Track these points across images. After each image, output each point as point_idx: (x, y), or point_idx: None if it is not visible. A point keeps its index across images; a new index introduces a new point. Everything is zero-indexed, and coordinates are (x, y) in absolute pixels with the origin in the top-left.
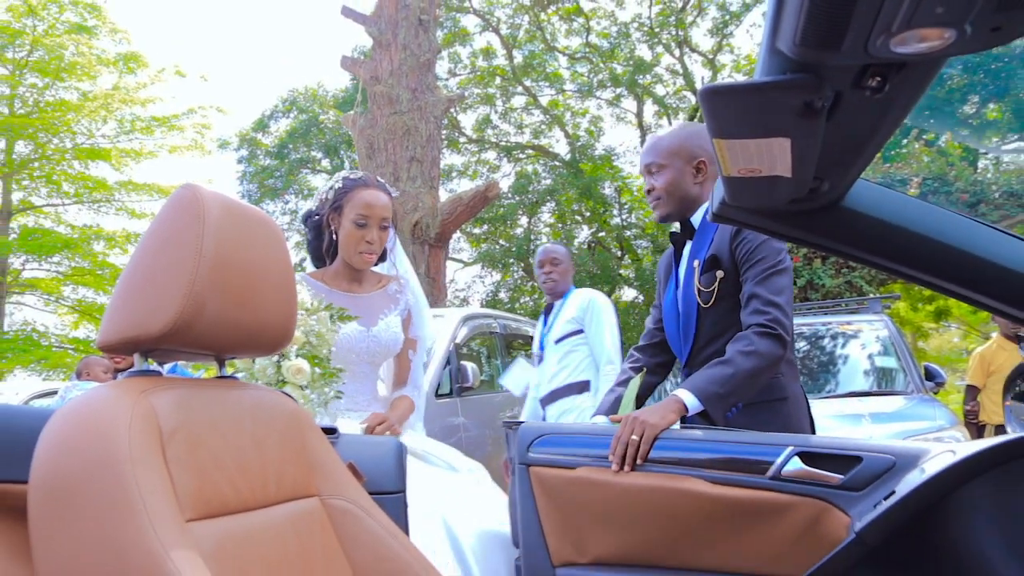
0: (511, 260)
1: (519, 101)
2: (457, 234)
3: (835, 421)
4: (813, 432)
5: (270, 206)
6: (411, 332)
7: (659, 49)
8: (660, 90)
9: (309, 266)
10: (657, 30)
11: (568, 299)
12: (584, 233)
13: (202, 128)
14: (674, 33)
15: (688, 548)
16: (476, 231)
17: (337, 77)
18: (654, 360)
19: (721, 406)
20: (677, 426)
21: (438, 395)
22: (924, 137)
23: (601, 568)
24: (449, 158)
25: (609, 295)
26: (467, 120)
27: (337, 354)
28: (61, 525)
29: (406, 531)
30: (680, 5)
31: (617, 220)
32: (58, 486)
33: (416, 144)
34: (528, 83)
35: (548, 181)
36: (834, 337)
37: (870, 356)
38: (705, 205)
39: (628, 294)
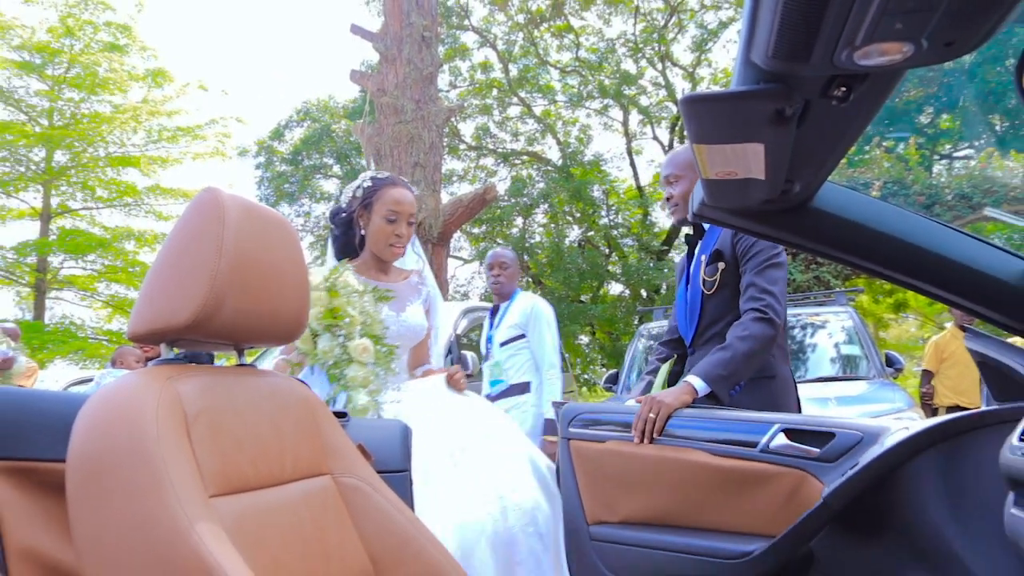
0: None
1: (514, 111)
2: (458, 234)
3: (805, 404)
4: (799, 410)
5: (286, 209)
6: (430, 321)
7: (643, 63)
8: (644, 101)
9: (331, 260)
10: (641, 46)
11: (514, 302)
12: (575, 232)
13: (223, 137)
14: (657, 48)
15: (694, 510)
16: (475, 231)
17: (347, 89)
18: (677, 351)
19: (725, 386)
20: None
21: None
22: (885, 144)
23: (627, 526)
24: (450, 164)
25: (597, 290)
26: (467, 128)
27: None
28: (95, 501)
29: (411, 506)
30: (662, 23)
31: (605, 220)
32: (92, 465)
33: (420, 151)
34: (523, 94)
35: (541, 185)
36: (804, 327)
37: (836, 344)
38: None
39: (615, 288)
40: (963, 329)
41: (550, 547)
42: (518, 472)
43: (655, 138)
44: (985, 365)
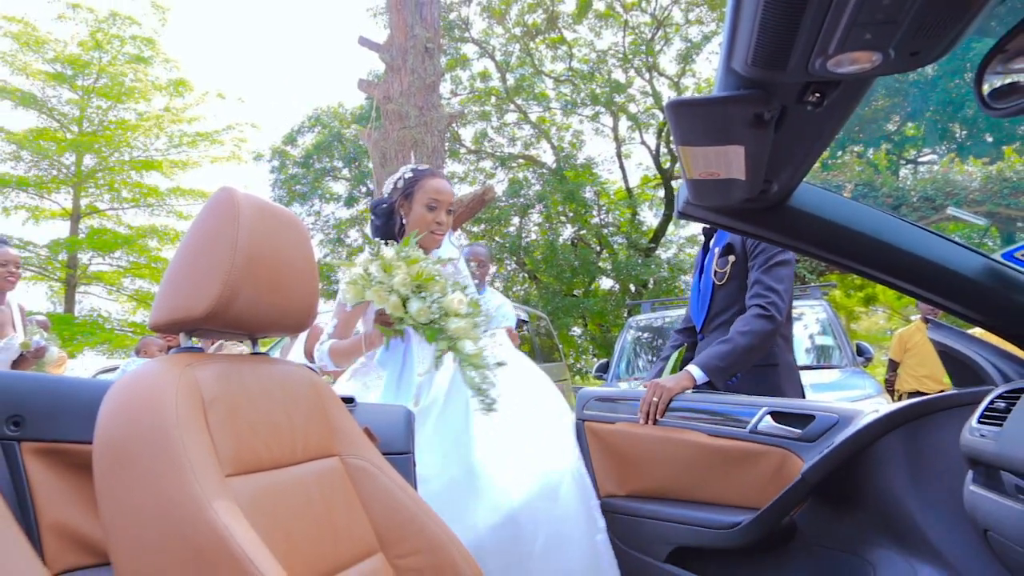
0: (504, 255)
1: (511, 117)
2: (458, 232)
3: None
4: (803, 395)
5: (297, 209)
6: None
7: (631, 73)
8: (633, 108)
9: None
10: (630, 57)
11: (484, 295)
12: (568, 231)
13: (239, 142)
14: (644, 60)
15: (691, 485)
16: (475, 229)
17: (355, 97)
18: (689, 340)
19: (722, 376)
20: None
21: None
22: (855, 149)
23: (633, 499)
24: (451, 166)
25: (589, 285)
26: (467, 133)
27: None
28: (119, 479)
29: (414, 486)
30: (650, 36)
31: (596, 220)
32: (116, 446)
33: (423, 154)
34: (519, 102)
35: (537, 186)
36: None
37: (811, 335)
38: None
39: (606, 283)
40: (927, 321)
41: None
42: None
43: (643, 143)
44: (946, 354)
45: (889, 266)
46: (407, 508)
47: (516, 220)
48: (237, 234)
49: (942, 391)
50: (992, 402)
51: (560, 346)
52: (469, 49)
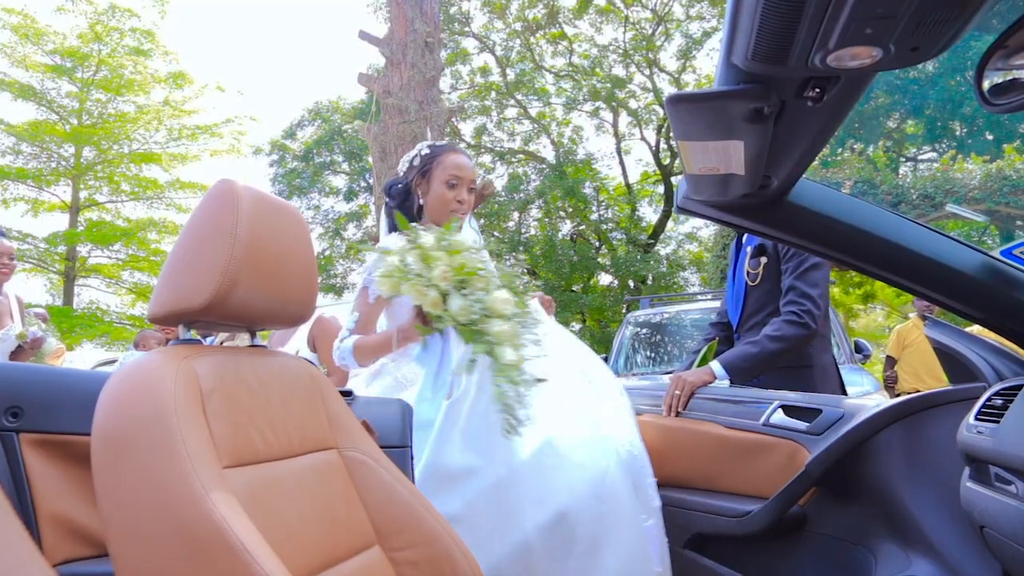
0: (504, 250)
1: (512, 112)
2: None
3: None
4: (843, 394)
5: (297, 203)
6: None
7: (632, 69)
8: (633, 104)
9: (384, 234)
10: (631, 52)
11: None
12: (567, 227)
13: (238, 135)
14: (645, 55)
15: (709, 475)
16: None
17: (355, 91)
18: (722, 333)
19: (742, 377)
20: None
21: None
22: (855, 146)
23: (660, 488)
24: None
25: (588, 280)
26: (467, 128)
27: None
28: (117, 470)
29: (412, 479)
30: (650, 32)
31: (595, 216)
32: (114, 437)
33: None
34: (519, 97)
35: (536, 182)
36: None
37: None
38: None
39: (604, 279)
40: (924, 319)
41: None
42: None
43: (643, 139)
44: (942, 352)
45: (888, 262)
46: (405, 501)
47: (516, 215)
48: (236, 226)
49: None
50: (989, 399)
51: None
52: (469, 44)
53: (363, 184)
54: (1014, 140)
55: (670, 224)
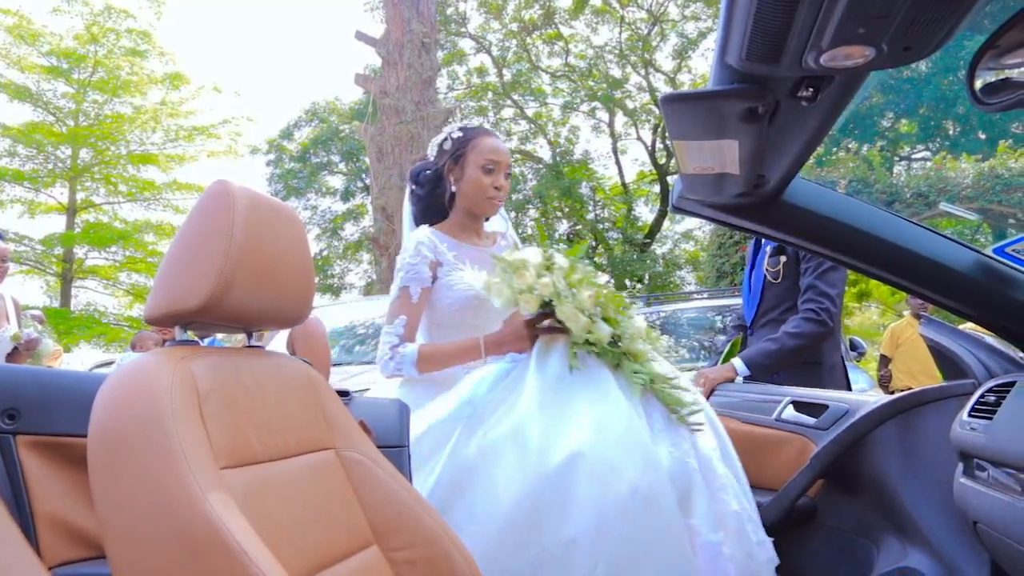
0: None
1: (508, 113)
2: None
3: None
4: (849, 390)
5: (294, 203)
6: None
7: (628, 69)
8: (629, 104)
9: (408, 225)
10: (626, 53)
11: None
12: (564, 226)
13: (235, 136)
14: (641, 55)
15: None
16: None
17: (351, 91)
18: (744, 333)
19: (764, 373)
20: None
21: None
22: (850, 145)
23: None
24: None
25: None
26: None
27: (479, 305)
28: (114, 472)
29: (409, 479)
30: (646, 32)
31: (592, 215)
32: (111, 438)
33: (419, 149)
34: (516, 97)
35: (533, 182)
36: None
37: None
38: None
39: (600, 279)
40: (917, 317)
41: None
42: None
43: (639, 139)
44: (936, 350)
45: (882, 261)
46: (402, 501)
47: (513, 215)
48: (232, 226)
49: None
50: (982, 396)
51: None
52: (466, 44)
53: (360, 184)
54: (1007, 139)
55: (666, 223)
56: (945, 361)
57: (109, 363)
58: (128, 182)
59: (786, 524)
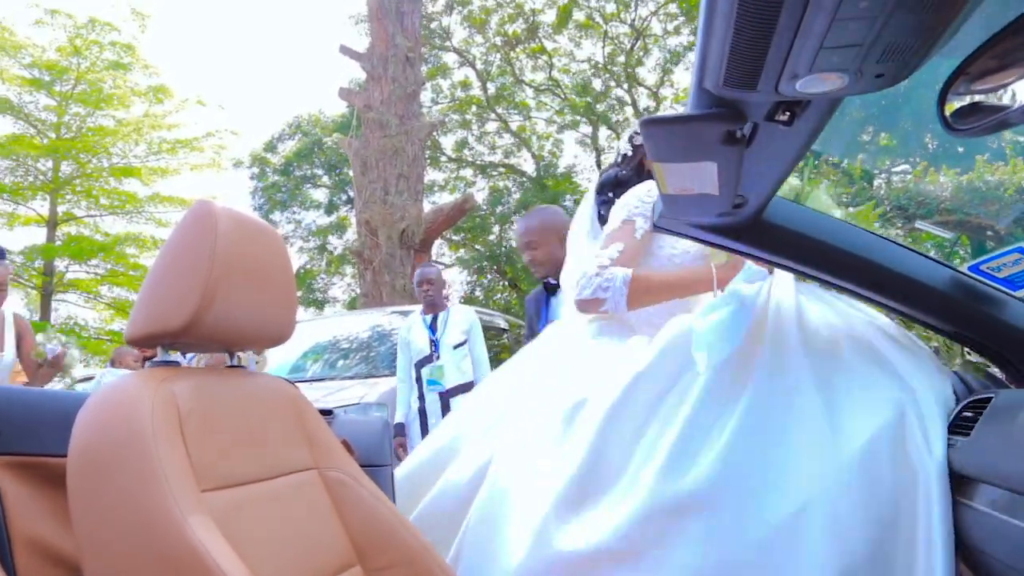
0: (485, 263)
1: (492, 126)
2: (439, 240)
3: None
4: None
5: (278, 216)
6: None
7: (611, 83)
8: (613, 118)
9: (595, 232)
10: (609, 67)
11: (452, 312)
12: None
13: (219, 149)
14: (624, 70)
15: None
16: (455, 238)
17: (335, 105)
18: None
19: None
20: None
21: None
22: (830, 160)
23: None
24: (431, 175)
25: None
26: (447, 142)
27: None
28: (94, 494)
29: (392, 498)
30: (629, 46)
31: None
32: (91, 459)
33: (403, 163)
34: (500, 111)
35: (517, 195)
36: None
37: None
38: None
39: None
40: None
41: None
42: None
43: None
44: None
45: (860, 278)
46: (386, 520)
47: (497, 229)
48: (214, 248)
49: None
50: (960, 412)
51: None
52: (450, 58)
53: (344, 197)
54: (984, 153)
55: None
56: None
57: (89, 378)
58: (110, 195)
59: None
